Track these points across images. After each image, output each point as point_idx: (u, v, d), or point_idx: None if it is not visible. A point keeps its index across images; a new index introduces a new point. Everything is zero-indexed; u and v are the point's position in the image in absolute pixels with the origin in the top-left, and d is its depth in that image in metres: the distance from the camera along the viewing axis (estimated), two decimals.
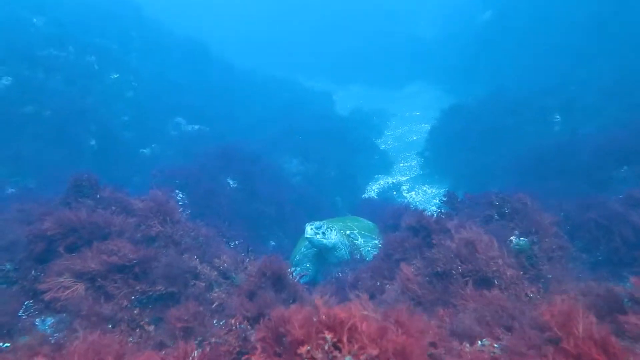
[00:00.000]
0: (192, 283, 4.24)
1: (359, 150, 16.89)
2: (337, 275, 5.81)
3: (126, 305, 3.94)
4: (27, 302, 3.95)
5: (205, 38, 22.36)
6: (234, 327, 3.17)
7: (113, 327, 3.79)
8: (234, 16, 35.95)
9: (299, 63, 29.45)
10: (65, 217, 4.24)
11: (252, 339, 3.01)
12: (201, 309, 3.66)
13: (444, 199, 6.07)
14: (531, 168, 10.52)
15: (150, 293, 4.07)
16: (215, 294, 4.12)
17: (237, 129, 16.59)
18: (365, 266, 5.45)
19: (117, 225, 4.46)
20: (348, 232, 6.99)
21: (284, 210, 10.15)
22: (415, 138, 18.83)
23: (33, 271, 4.15)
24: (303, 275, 4.66)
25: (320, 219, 6.98)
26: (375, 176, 15.92)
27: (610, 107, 12.38)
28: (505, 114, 14.01)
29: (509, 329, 2.86)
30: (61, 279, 3.90)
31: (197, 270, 4.30)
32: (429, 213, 5.48)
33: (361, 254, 6.72)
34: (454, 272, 4.00)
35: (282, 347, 2.46)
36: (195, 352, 2.97)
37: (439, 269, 4.10)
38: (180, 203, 8.45)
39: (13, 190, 10.02)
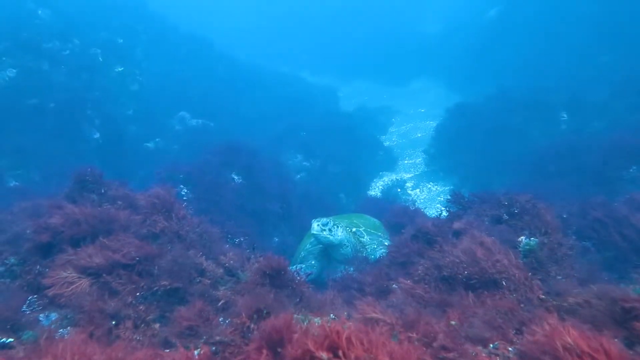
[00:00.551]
0: (198, 280, 4.19)
1: (363, 146, 16.82)
2: (343, 273, 5.75)
3: (131, 302, 3.89)
4: (31, 297, 3.91)
5: (210, 33, 22.31)
6: (239, 327, 3.13)
7: (117, 324, 3.75)
8: (239, 11, 35.84)
9: (304, 59, 29.37)
10: (70, 211, 4.20)
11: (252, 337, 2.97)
12: (209, 308, 3.61)
13: (451, 198, 6.00)
14: (537, 167, 10.46)
15: (155, 289, 4.02)
16: (221, 292, 4.07)
17: (241, 124, 16.54)
18: (372, 267, 5.41)
19: (122, 221, 4.41)
20: (354, 229, 6.93)
21: (288, 206, 10.10)
22: (420, 135, 18.74)
23: (38, 266, 4.11)
24: (309, 274, 4.61)
25: (326, 216, 6.92)
26: (380, 173, 15.86)
27: (618, 105, 12.29)
28: (511, 111, 13.93)
29: (521, 332, 2.81)
30: (65, 274, 3.86)
31: (203, 267, 4.25)
32: (436, 214, 5.44)
33: (367, 252, 6.66)
34: (459, 275, 3.94)
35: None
36: (196, 351, 2.93)
37: (445, 273, 4.04)
38: (184, 198, 8.42)
39: (17, 183, 9.99)
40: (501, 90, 15.55)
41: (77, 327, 3.68)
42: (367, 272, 5.23)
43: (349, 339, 2.02)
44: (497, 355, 2.48)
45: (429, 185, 14.46)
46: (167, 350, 3.30)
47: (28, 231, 4.32)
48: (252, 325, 3.05)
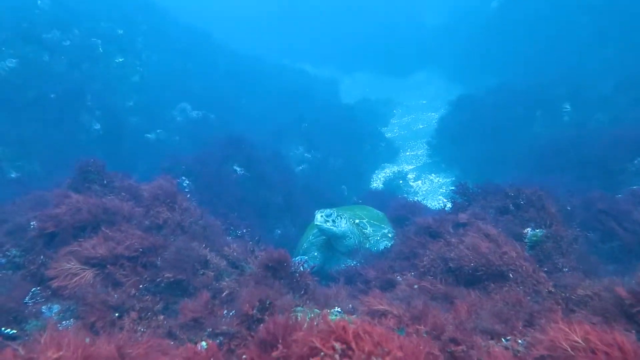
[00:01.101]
0: (201, 272, 4.16)
1: (365, 138, 16.78)
2: (347, 266, 5.73)
3: (134, 294, 3.86)
4: (34, 289, 3.88)
5: (211, 24, 22.17)
6: (244, 318, 3.10)
7: (120, 316, 3.72)
8: (240, 3, 35.60)
9: (305, 51, 29.21)
10: (75, 200, 4.16)
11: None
12: (214, 300, 3.58)
13: (455, 189, 5.96)
14: (540, 159, 10.40)
15: (159, 280, 3.99)
16: (225, 284, 4.04)
17: (242, 116, 16.48)
18: (376, 259, 5.38)
19: (125, 212, 4.38)
20: (357, 220, 6.90)
21: (290, 198, 10.06)
22: (421, 127, 18.70)
23: (42, 256, 4.08)
24: (313, 267, 4.58)
25: (329, 207, 6.89)
26: (382, 165, 15.83)
27: (622, 98, 12.21)
28: (513, 104, 13.87)
29: (531, 324, 2.78)
30: (69, 266, 3.83)
31: (207, 259, 4.22)
32: (438, 206, 5.41)
33: (370, 244, 6.64)
34: (466, 267, 3.91)
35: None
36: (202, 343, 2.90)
37: (451, 265, 4.01)
38: (186, 190, 8.38)
39: (17, 174, 9.95)
40: (503, 82, 15.47)
41: (80, 319, 3.66)
42: (371, 264, 5.21)
43: (356, 334, 1.98)
44: (506, 348, 2.45)
45: (431, 177, 14.43)
46: (172, 343, 3.28)
47: (32, 223, 4.29)
48: (257, 316, 3.02)
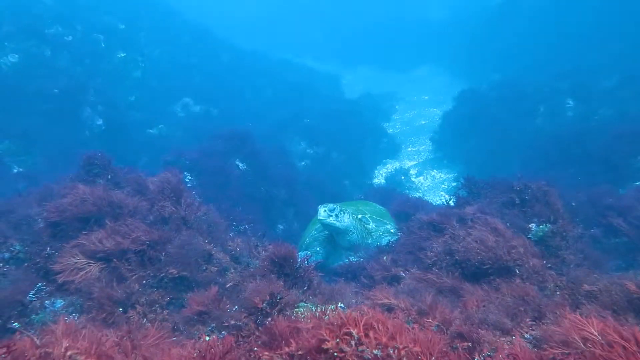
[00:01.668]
0: (205, 267, 4.15)
1: (367, 133, 16.73)
2: (350, 261, 5.72)
3: (139, 289, 3.86)
4: (39, 283, 3.87)
5: (213, 19, 22.11)
6: (253, 311, 3.09)
7: (124, 311, 3.71)
8: None
9: (307, 46, 29.14)
10: (82, 192, 4.15)
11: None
12: (223, 298, 3.56)
13: (462, 183, 5.93)
14: (544, 154, 10.37)
15: (163, 276, 3.99)
16: (229, 279, 4.03)
17: (244, 111, 16.44)
18: (379, 254, 5.37)
19: (131, 206, 4.37)
20: (360, 216, 6.87)
21: (293, 193, 10.05)
22: (423, 122, 18.63)
23: (48, 248, 4.06)
24: (318, 263, 4.56)
25: (332, 202, 6.87)
26: (384, 160, 15.78)
27: (626, 93, 12.16)
28: (517, 98, 13.81)
29: (537, 319, 2.77)
30: (74, 260, 3.82)
31: (211, 254, 4.21)
32: (440, 202, 5.39)
33: (373, 239, 6.62)
34: (472, 260, 3.89)
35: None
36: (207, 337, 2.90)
37: (457, 258, 4.00)
38: (189, 185, 8.36)
39: (20, 169, 9.96)
40: (506, 77, 15.41)
41: (84, 314, 3.65)
42: (374, 259, 5.19)
43: (370, 326, 1.97)
44: (513, 343, 2.44)
45: (433, 173, 14.38)
46: (175, 338, 3.27)
47: (38, 218, 4.28)
48: (266, 310, 3.01)
